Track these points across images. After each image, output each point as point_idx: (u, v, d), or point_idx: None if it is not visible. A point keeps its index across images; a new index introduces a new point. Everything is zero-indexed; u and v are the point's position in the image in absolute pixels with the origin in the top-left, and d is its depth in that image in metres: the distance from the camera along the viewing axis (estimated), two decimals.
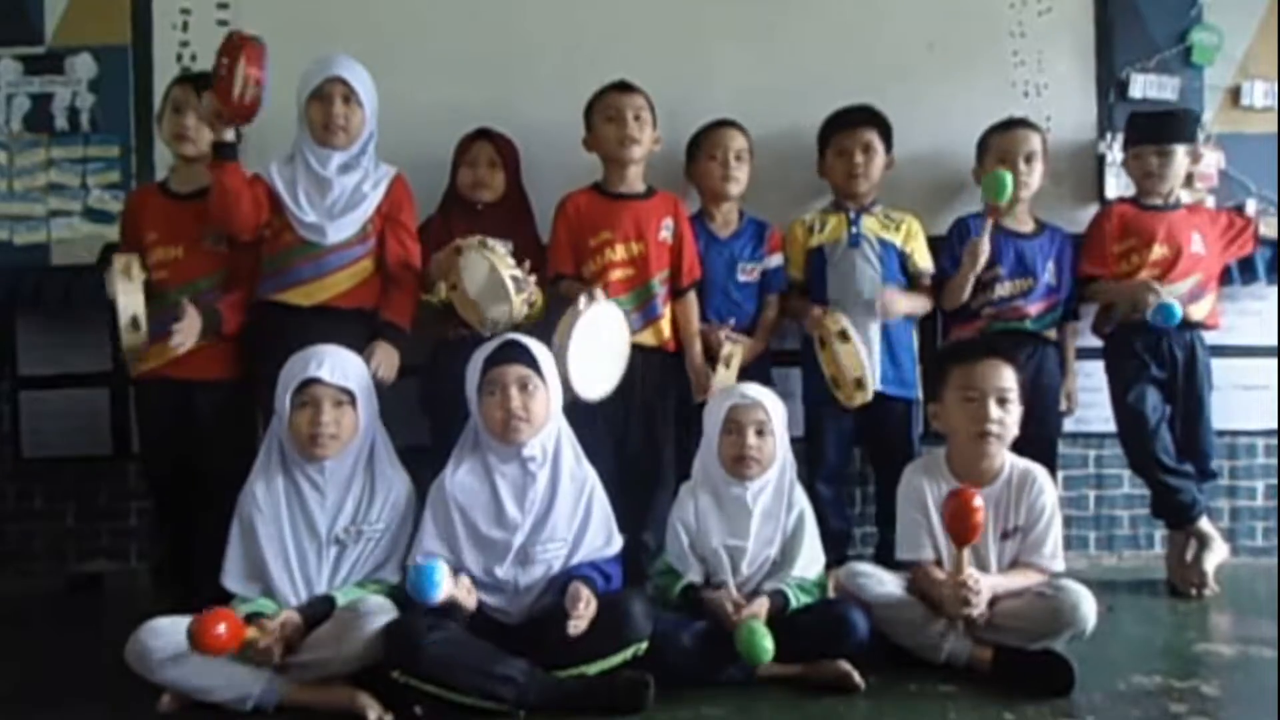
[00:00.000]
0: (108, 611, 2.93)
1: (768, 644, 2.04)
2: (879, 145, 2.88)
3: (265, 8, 3.05)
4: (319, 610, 2.10)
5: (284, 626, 2.03)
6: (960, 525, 2.09)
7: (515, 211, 2.82)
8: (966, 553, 2.12)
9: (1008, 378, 2.29)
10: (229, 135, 2.48)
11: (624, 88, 2.80)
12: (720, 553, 2.28)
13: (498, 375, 2.19)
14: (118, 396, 3.14)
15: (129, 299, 2.48)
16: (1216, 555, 2.85)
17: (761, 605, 2.16)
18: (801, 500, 2.34)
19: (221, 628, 1.87)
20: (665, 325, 2.78)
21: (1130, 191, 3.03)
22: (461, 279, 2.44)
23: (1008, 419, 2.28)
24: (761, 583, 2.27)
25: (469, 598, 2.08)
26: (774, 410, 2.34)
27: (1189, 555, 2.88)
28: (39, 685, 2.25)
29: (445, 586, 2.00)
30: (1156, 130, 2.91)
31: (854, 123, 2.89)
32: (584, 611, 2.03)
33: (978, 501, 2.09)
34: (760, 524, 2.30)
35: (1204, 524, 2.87)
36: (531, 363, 2.21)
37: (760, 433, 2.31)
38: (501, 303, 2.39)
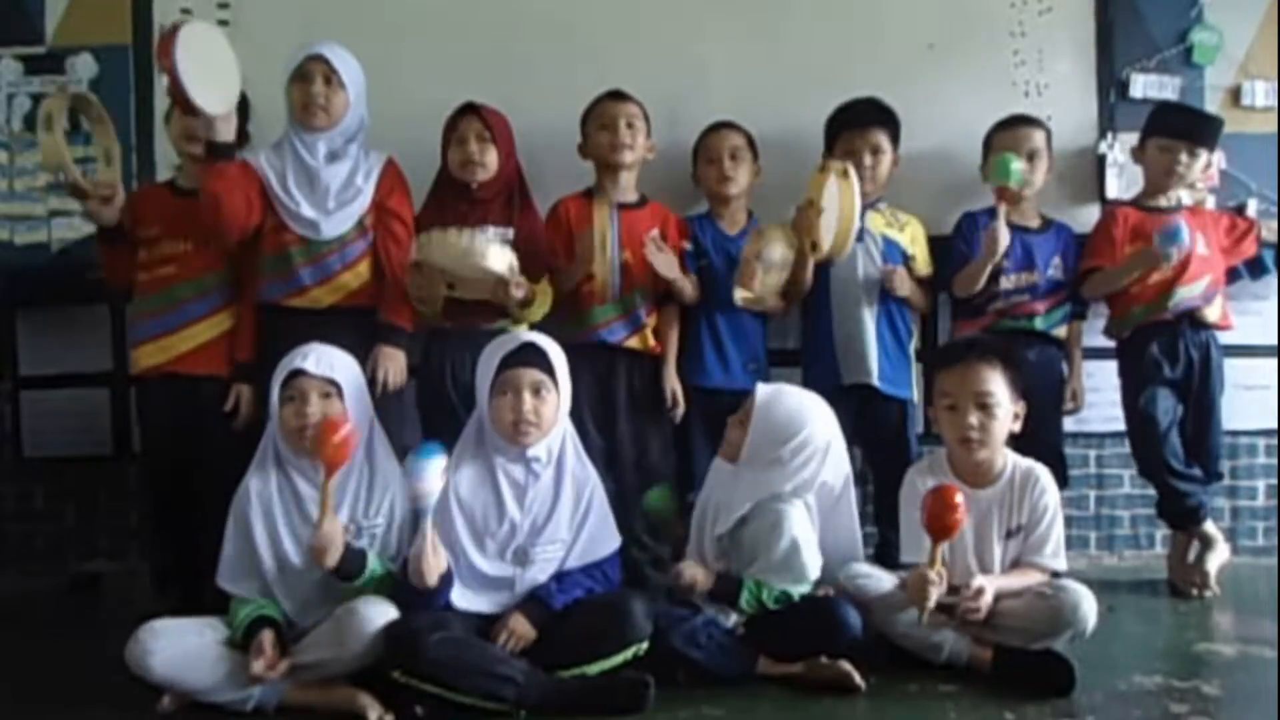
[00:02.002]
0: (108, 611, 2.92)
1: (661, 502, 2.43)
2: (887, 146, 2.88)
3: (265, 8, 3.05)
4: (356, 555, 2.10)
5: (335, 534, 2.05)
6: (937, 522, 2.09)
7: (512, 191, 2.71)
8: (940, 549, 2.11)
9: (986, 380, 2.26)
10: (221, 135, 2.42)
11: (617, 95, 2.80)
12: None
13: (513, 377, 2.19)
14: (118, 396, 3.13)
15: (48, 145, 2.44)
16: (1219, 557, 2.85)
17: (708, 577, 2.23)
18: (790, 514, 2.27)
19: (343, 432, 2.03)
20: (649, 332, 2.80)
21: (1130, 193, 3.02)
22: (447, 273, 2.44)
23: (990, 423, 2.25)
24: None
25: (436, 562, 2.04)
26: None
27: (1191, 556, 2.88)
28: (39, 685, 2.25)
29: (435, 482, 2.01)
30: (1195, 130, 2.87)
31: (863, 123, 2.87)
32: (504, 640, 2.07)
33: (958, 499, 2.09)
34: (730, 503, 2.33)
35: (1208, 525, 2.87)
36: (546, 367, 2.21)
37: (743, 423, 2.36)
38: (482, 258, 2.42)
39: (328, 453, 2.03)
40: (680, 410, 2.79)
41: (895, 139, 2.90)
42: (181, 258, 2.61)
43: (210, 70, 2.36)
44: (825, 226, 2.65)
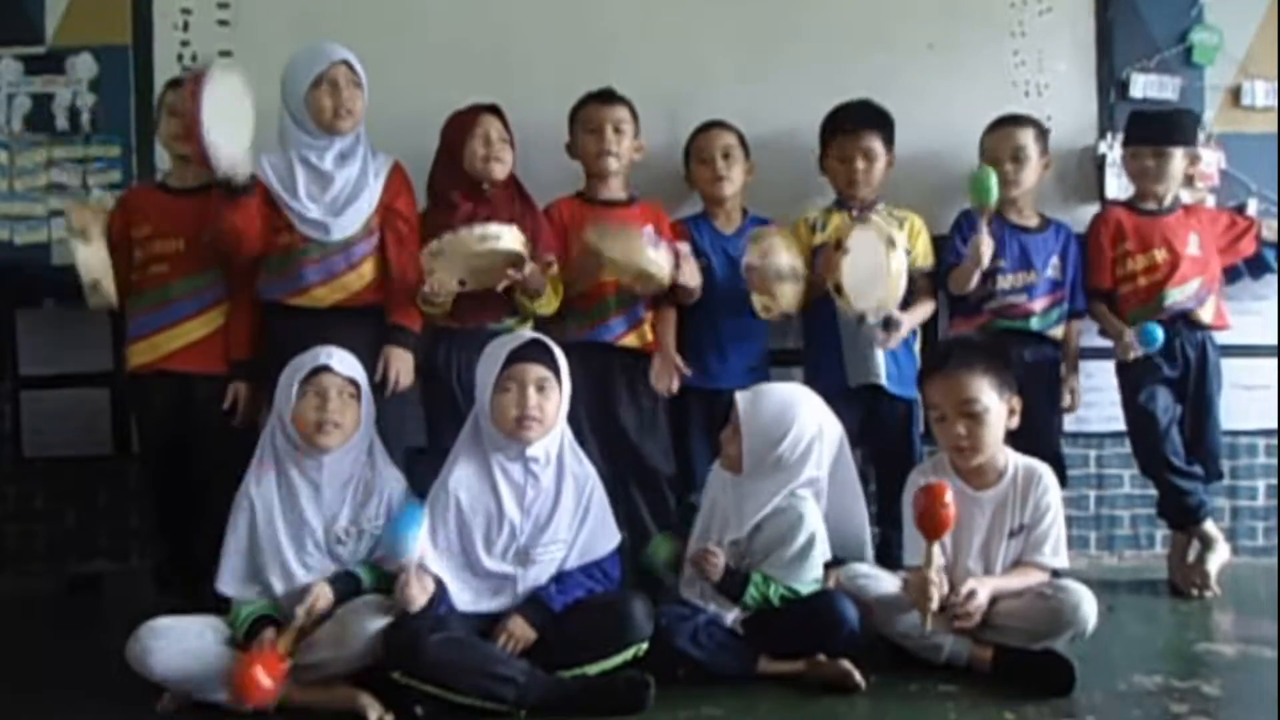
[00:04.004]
0: (108, 611, 2.92)
1: (661, 553, 2.39)
2: (880, 149, 2.87)
3: (265, 8, 3.05)
4: (346, 586, 2.11)
5: (315, 602, 2.06)
6: (929, 520, 2.09)
7: (520, 192, 2.73)
8: (936, 548, 2.11)
9: (969, 388, 2.25)
10: (240, 176, 2.39)
11: (605, 98, 2.79)
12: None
13: (518, 373, 2.18)
14: (118, 396, 3.13)
15: (89, 258, 2.47)
16: (1220, 557, 2.84)
17: (719, 564, 2.21)
18: (808, 511, 2.27)
19: (264, 680, 1.94)
20: (648, 329, 2.79)
21: (1130, 192, 3.02)
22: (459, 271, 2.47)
23: (980, 429, 2.25)
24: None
25: (422, 591, 2.02)
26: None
27: (1192, 556, 2.88)
28: (39, 685, 2.25)
29: (417, 547, 2.01)
30: (1154, 132, 2.89)
31: (855, 127, 2.86)
32: (504, 642, 2.07)
33: (948, 497, 2.09)
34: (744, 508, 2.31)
35: (1208, 525, 2.87)
36: (552, 364, 2.22)
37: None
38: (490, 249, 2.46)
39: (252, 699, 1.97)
40: (675, 384, 2.77)
41: (890, 141, 2.90)
42: (173, 257, 2.61)
43: (229, 116, 2.37)
44: (852, 273, 2.62)
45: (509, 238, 2.48)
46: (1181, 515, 2.89)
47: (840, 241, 2.65)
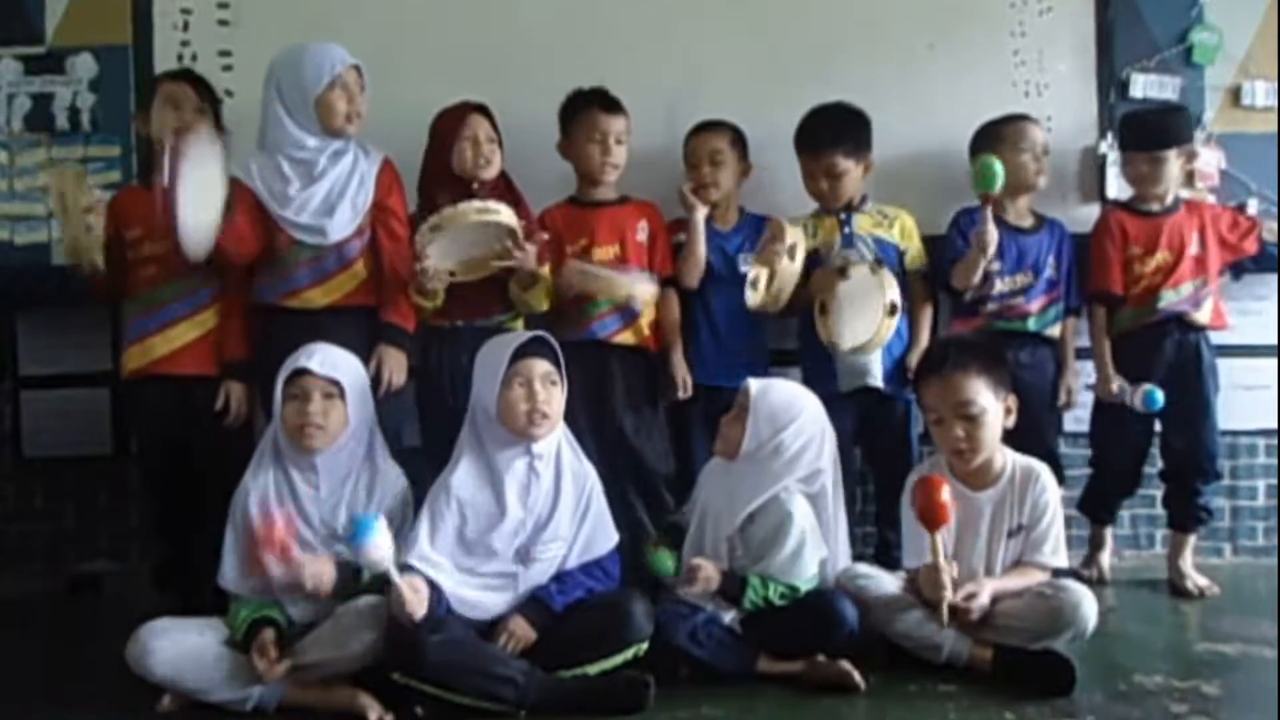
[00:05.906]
0: (108, 611, 2.92)
1: (667, 563, 2.30)
2: (847, 164, 2.83)
3: (265, 8, 3.05)
4: (349, 574, 2.09)
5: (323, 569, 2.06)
6: (930, 510, 2.10)
7: (511, 188, 2.73)
8: (940, 539, 2.11)
9: (965, 389, 2.25)
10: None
11: (609, 107, 2.79)
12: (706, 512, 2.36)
13: (525, 368, 2.18)
14: (118, 396, 3.13)
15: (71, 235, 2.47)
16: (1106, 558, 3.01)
17: (714, 574, 2.20)
18: (797, 508, 2.27)
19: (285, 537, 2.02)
20: (644, 325, 2.79)
21: (1129, 193, 3.02)
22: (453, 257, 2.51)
23: (978, 431, 2.25)
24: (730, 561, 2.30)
25: (418, 599, 1.99)
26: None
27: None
28: (39, 686, 2.25)
29: (382, 547, 1.95)
30: (1145, 136, 2.88)
31: (817, 146, 2.85)
32: (504, 642, 2.07)
33: (945, 492, 2.10)
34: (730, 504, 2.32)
35: (1107, 532, 3.03)
36: (555, 360, 2.22)
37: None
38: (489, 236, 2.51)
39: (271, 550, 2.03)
40: (687, 394, 2.78)
41: (861, 147, 2.86)
42: (164, 258, 2.58)
43: (204, 187, 2.38)
44: (842, 299, 2.68)
45: (507, 214, 2.50)
46: (1094, 510, 3.01)
47: (845, 268, 2.68)
